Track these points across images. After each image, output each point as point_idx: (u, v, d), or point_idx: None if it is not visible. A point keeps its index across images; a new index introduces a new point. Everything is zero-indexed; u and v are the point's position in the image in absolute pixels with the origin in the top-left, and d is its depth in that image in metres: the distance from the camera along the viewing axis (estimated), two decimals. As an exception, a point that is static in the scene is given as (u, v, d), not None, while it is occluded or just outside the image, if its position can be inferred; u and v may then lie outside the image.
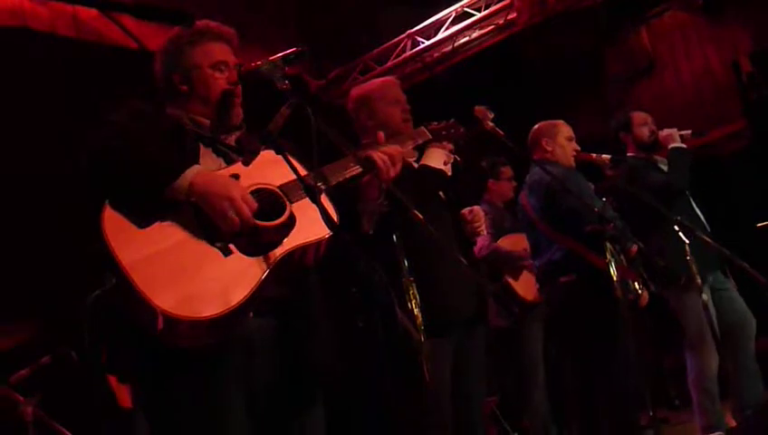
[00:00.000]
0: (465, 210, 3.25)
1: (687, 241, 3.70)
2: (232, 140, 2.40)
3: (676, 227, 3.71)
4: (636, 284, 4.27)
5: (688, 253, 3.73)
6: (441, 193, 3.27)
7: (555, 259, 4.28)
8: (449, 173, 3.17)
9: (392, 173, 2.48)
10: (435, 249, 2.73)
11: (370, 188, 2.60)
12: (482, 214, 3.27)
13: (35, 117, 5.03)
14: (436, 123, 2.97)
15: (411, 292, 2.54)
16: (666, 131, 4.81)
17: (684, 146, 4.73)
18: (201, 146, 2.30)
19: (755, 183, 7.13)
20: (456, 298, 3.05)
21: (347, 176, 2.40)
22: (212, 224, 2.06)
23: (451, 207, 3.29)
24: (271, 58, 2.26)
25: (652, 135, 4.86)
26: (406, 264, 2.58)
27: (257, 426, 2.16)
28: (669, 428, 5.87)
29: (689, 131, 4.86)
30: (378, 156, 2.46)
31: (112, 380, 4.05)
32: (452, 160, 3.17)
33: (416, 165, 3.15)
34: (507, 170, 5.71)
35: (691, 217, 4.46)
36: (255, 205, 2.08)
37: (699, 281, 3.84)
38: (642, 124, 4.91)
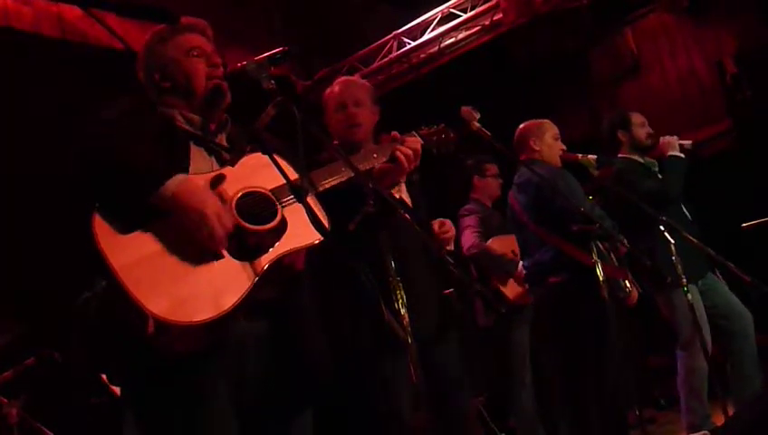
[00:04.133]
0: (435, 222, 3.17)
1: (673, 241, 3.72)
2: (223, 138, 2.39)
3: (662, 228, 3.73)
4: (626, 282, 4.28)
5: (674, 253, 3.75)
6: (407, 200, 3.25)
7: (545, 259, 4.29)
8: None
9: (412, 165, 2.74)
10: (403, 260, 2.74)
11: (386, 180, 2.78)
12: (452, 228, 3.20)
13: (20, 117, 4.99)
14: (426, 128, 2.96)
15: (398, 292, 2.53)
16: (667, 138, 4.79)
17: (682, 155, 4.73)
18: (192, 145, 2.28)
19: (740, 183, 7.17)
20: (422, 309, 2.93)
21: (337, 181, 2.40)
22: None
23: (415, 215, 3.25)
24: (256, 58, 2.25)
25: (649, 137, 4.85)
26: (393, 264, 2.57)
27: (246, 427, 2.15)
28: (655, 428, 5.89)
29: (690, 141, 4.86)
30: (400, 152, 2.71)
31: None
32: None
33: None
34: (492, 168, 5.70)
35: (682, 220, 4.47)
36: (231, 225, 2.06)
37: (685, 280, 3.86)
38: (641, 125, 4.90)
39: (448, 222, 3.17)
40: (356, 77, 3.76)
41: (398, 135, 2.83)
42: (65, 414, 4.20)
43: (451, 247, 3.17)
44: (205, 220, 2.01)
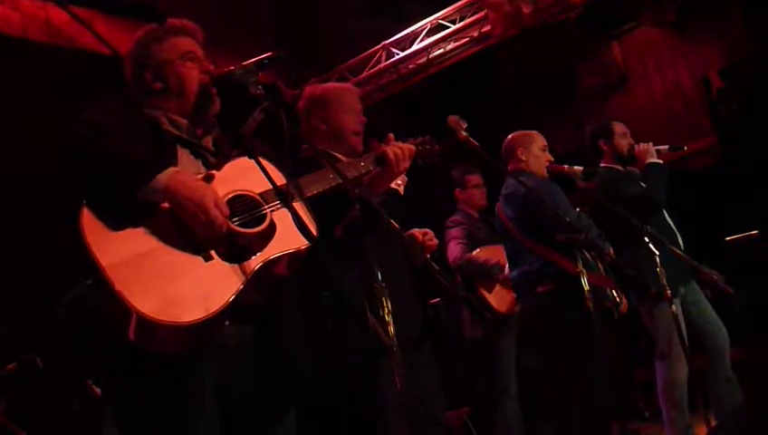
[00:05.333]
0: (418, 231, 3.20)
1: (657, 252, 3.74)
2: (209, 142, 2.39)
3: (646, 239, 3.75)
4: (614, 292, 4.29)
5: (658, 264, 3.77)
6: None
7: (532, 269, 4.30)
8: (402, 193, 3.17)
9: (402, 166, 2.69)
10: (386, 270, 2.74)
11: (379, 182, 2.73)
12: (435, 238, 3.22)
13: (5, 120, 4.97)
14: (412, 139, 2.96)
15: (383, 298, 2.53)
16: (642, 146, 4.81)
17: (660, 161, 4.75)
18: (179, 147, 2.27)
19: (725, 197, 7.21)
20: (407, 321, 2.97)
21: (325, 187, 2.40)
22: (190, 229, 2.05)
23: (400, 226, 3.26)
24: (245, 63, 2.26)
25: (631, 148, 4.88)
26: (377, 270, 2.57)
27: (231, 430, 2.14)
28: (639, 439, 5.90)
29: (666, 146, 4.88)
30: (390, 150, 2.65)
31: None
32: (406, 182, 3.17)
33: None
34: (474, 178, 5.71)
35: (665, 230, 4.49)
36: (228, 211, 2.07)
37: (669, 292, 3.88)
38: (623, 135, 4.92)
39: (430, 232, 3.22)
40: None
41: (393, 136, 2.84)
42: (47, 420, 4.17)
43: (431, 251, 3.19)
44: (204, 208, 2.02)
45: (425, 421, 3.02)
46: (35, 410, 4.22)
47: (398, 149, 2.72)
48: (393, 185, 3.07)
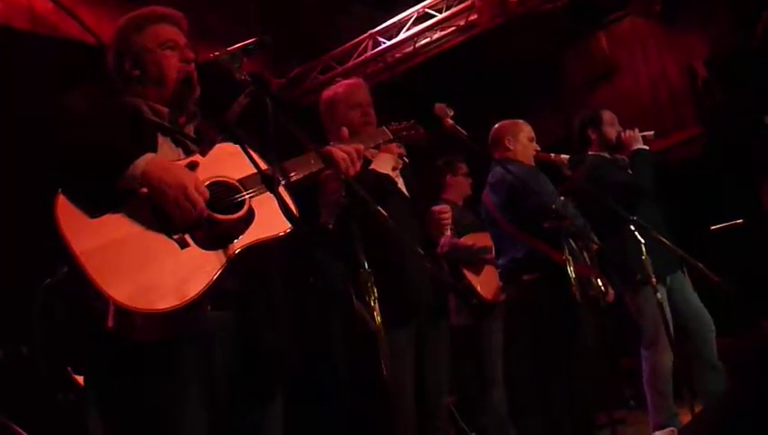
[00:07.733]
0: (436, 208, 3.28)
1: (643, 241, 3.76)
2: (191, 129, 2.37)
3: (633, 227, 3.76)
4: (598, 281, 4.30)
5: (644, 252, 3.78)
6: (405, 191, 3.30)
7: (518, 257, 4.31)
8: (397, 178, 3.19)
9: (352, 170, 2.49)
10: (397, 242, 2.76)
11: (330, 183, 2.65)
12: (450, 212, 3.31)
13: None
14: (396, 124, 2.98)
15: (369, 284, 2.53)
16: (628, 133, 4.83)
17: (647, 148, 4.77)
18: (159, 135, 2.26)
19: (710, 187, 7.25)
20: (418, 288, 3.09)
21: (307, 172, 2.38)
22: (167, 215, 2.03)
23: (413, 206, 3.31)
24: (229, 48, 2.24)
25: (618, 135, 4.89)
26: (364, 256, 2.58)
27: (216, 419, 2.13)
28: (625, 428, 5.93)
29: (652, 132, 4.89)
30: (338, 153, 2.48)
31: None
32: (401, 165, 3.20)
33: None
34: (463, 166, 5.74)
35: (652, 219, 4.50)
36: (208, 195, 2.06)
37: (654, 280, 3.89)
38: (611, 123, 4.93)
39: (447, 207, 3.33)
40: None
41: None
42: (33, 409, 4.15)
43: (448, 233, 3.25)
44: (187, 193, 2.01)
45: (425, 401, 3.07)
46: (21, 399, 4.20)
47: (345, 153, 2.50)
48: (385, 170, 3.10)
